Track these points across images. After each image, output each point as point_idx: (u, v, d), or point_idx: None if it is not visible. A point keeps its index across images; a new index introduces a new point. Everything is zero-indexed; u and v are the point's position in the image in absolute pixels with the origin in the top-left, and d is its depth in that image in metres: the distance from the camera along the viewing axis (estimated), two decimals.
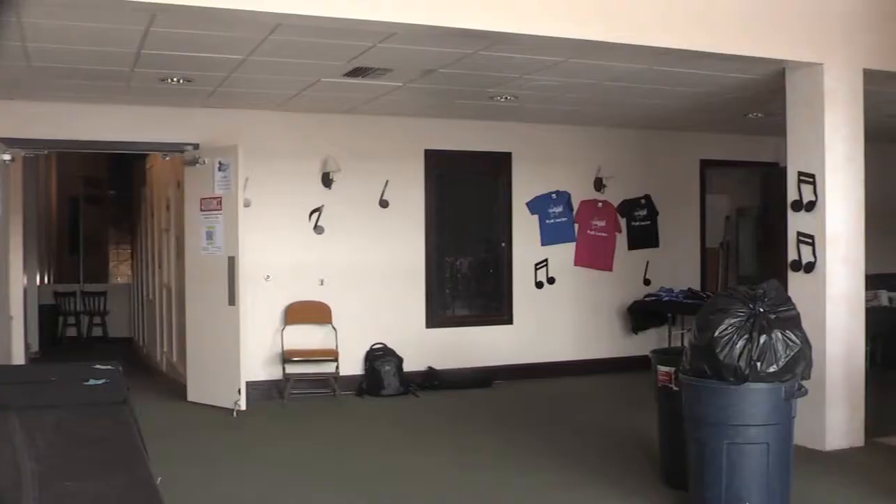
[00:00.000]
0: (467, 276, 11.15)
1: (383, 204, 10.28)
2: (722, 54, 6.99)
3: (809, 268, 7.31)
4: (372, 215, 10.25)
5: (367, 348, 10.14)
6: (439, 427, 8.44)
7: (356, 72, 7.84)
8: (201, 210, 9.28)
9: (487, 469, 6.81)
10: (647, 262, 11.71)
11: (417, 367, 10.27)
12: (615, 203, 11.55)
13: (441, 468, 6.89)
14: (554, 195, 11.19)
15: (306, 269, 9.95)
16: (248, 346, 9.18)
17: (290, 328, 9.81)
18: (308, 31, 6.38)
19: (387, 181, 10.28)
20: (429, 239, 10.58)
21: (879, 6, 7.46)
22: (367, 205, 10.23)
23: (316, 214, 9.98)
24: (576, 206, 11.31)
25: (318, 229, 9.98)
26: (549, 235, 11.15)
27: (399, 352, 10.10)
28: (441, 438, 7.92)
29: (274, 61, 7.40)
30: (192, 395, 9.42)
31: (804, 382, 5.21)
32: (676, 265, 11.90)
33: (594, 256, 11.41)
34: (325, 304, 9.96)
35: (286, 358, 9.66)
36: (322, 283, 10.00)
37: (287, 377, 9.60)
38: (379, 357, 10.00)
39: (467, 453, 7.32)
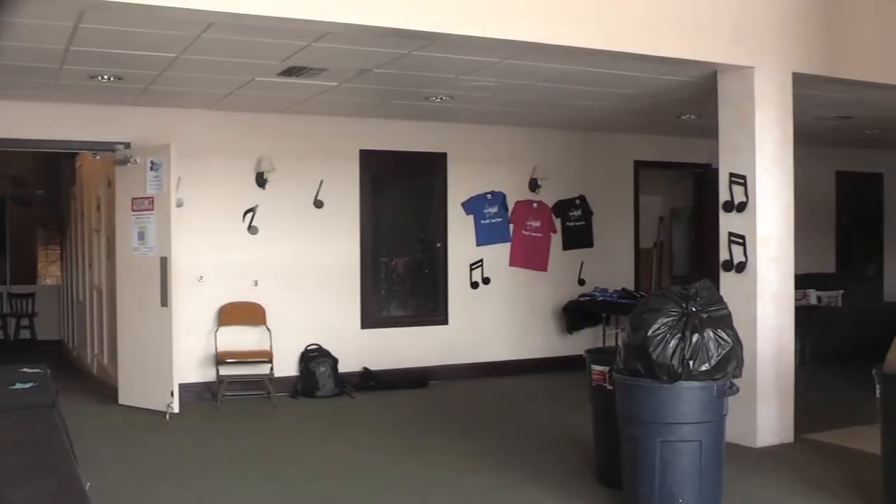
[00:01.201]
0: (403, 276, 11.13)
1: (318, 204, 10.22)
2: (655, 57, 7.06)
3: (741, 268, 7.41)
4: (307, 216, 10.19)
5: (302, 349, 10.07)
6: (375, 428, 8.41)
7: (290, 71, 7.78)
8: (133, 210, 9.14)
9: (424, 470, 6.81)
10: (582, 263, 11.79)
11: (353, 367, 10.23)
12: (550, 203, 11.61)
13: (377, 469, 6.86)
14: (489, 196, 11.22)
15: (240, 270, 9.85)
16: (181, 348, 9.04)
17: (223, 329, 9.70)
18: (241, 29, 6.32)
19: (321, 181, 10.22)
20: (364, 239, 10.54)
21: (809, 12, 7.60)
22: (301, 205, 10.16)
23: (250, 215, 9.88)
24: (511, 206, 11.35)
25: (252, 230, 9.89)
26: (485, 236, 11.18)
27: (334, 353, 10.05)
28: (377, 439, 7.89)
29: (207, 60, 7.31)
30: (124, 397, 9.26)
31: (735, 380, 5.28)
32: (611, 265, 12.01)
33: (529, 257, 11.47)
34: (260, 305, 9.87)
35: (220, 359, 9.55)
36: (256, 284, 9.91)
37: (221, 379, 9.49)
38: (314, 358, 9.94)
39: (403, 454, 7.30)
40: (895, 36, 8.03)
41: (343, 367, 10.03)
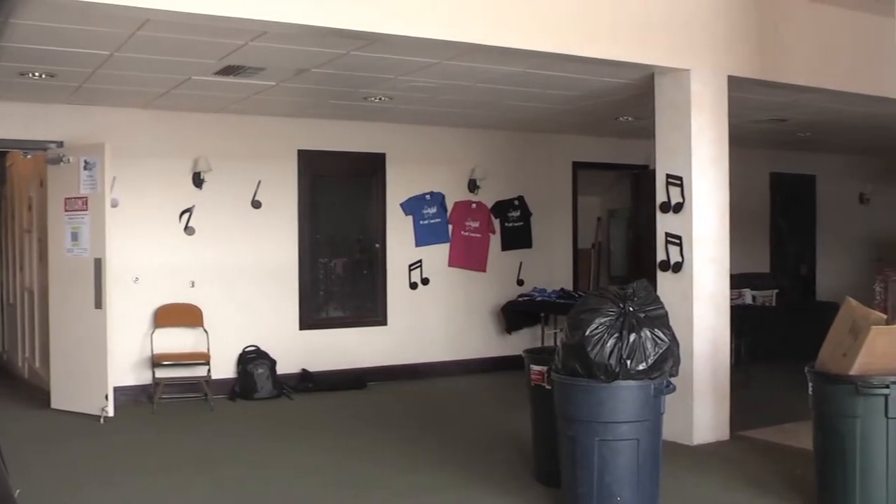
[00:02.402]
0: (341, 277, 11.08)
1: (256, 204, 10.14)
2: (594, 59, 7.11)
3: (677, 268, 7.49)
4: (244, 216, 10.09)
5: (240, 351, 9.98)
6: (314, 429, 8.35)
7: (228, 70, 7.70)
8: (66, 210, 8.98)
9: (362, 471, 6.77)
10: (521, 263, 11.83)
11: (291, 369, 10.16)
12: (489, 204, 11.64)
13: (316, 470, 6.82)
14: (428, 196, 11.21)
15: (177, 271, 9.73)
16: (116, 351, 8.89)
17: (159, 331, 9.57)
18: (177, 27, 6.24)
19: (259, 181, 10.14)
20: (302, 240, 10.48)
21: (744, 17, 7.70)
22: (239, 205, 10.07)
23: (187, 215, 9.77)
24: (450, 206, 11.36)
25: (188, 230, 9.77)
26: (424, 236, 11.17)
27: (272, 354, 9.97)
28: (315, 440, 7.84)
29: (142, 58, 7.20)
30: (57, 402, 9.09)
31: (672, 379, 5.32)
32: (549, 265, 12.07)
33: (468, 257, 11.48)
34: (197, 307, 9.76)
35: (156, 362, 9.42)
36: (193, 286, 9.80)
37: (157, 382, 9.37)
38: (252, 360, 9.85)
39: (342, 455, 7.26)
40: (827, 40, 8.18)
41: (281, 369, 9.96)
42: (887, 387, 5.06)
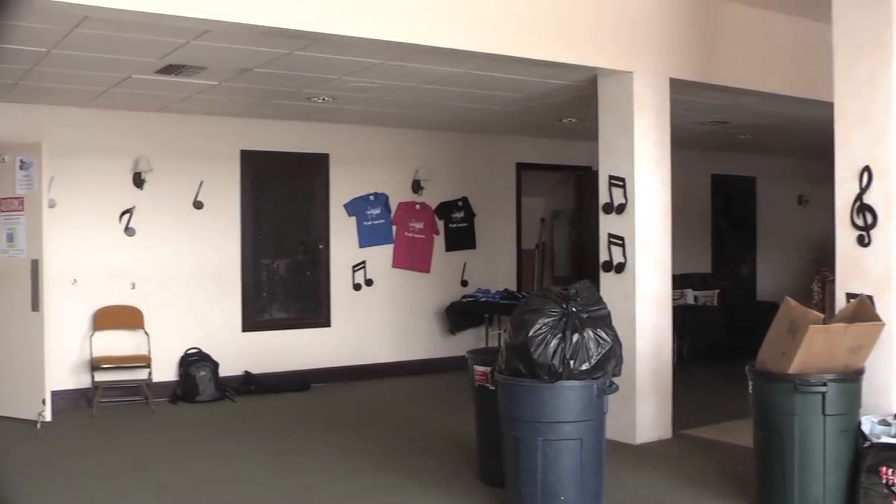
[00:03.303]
0: (285, 278, 11.00)
1: (198, 205, 10.03)
2: (538, 60, 7.13)
3: (620, 268, 7.54)
4: (186, 217, 9.98)
5: (182, 353, 9.86)
6: (257, 432, 8.28)
7: (169, 69, 7.61)
8: (1, 211, 8.80)
9: (306, 473, 6.73)
10: (465, 264, 11.85)
11: (234, 371, 10.07)
12: (433, 205, 11.63)
13: (259, 473, 6.76)
14: (372, 197, 11.18)
15: (117, 273, 9.58)
16: (54, 354, 8.74)
17: (99, 334, 9.42)
18: (117, 25, 6.14)
19: (201, 182, 10.04)
20: (245, 241, 10.39)
21: (686, 21, 7.78)
22: (180, 206, 9.96)
23: (127, 216, 9.63)
24: (394, 207, 11.34)
25: (129, 231, 9.64)
26: (367, 237, 11.13)
27: (215, 356, 9.87)
28: (259, 443, 7.77)
29: (81, 55, 7.09)
30: None
31: (615, 379, 5.35)
32: (493, 266, 12.09)
33: (412, 258, 11.47)
34: (137, 309, 9.63)
35: (95, 365, 9.28)
36: (133, 287, 9.66)
37: (96, 385, 9.22)
38: (194, 362, 9.74)
39: (286, 457, 7.21)
40: (767, 45, 8.31)
41: (224, 371, 9.87)
42: (824, 384, 5.15)
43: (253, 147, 10.41)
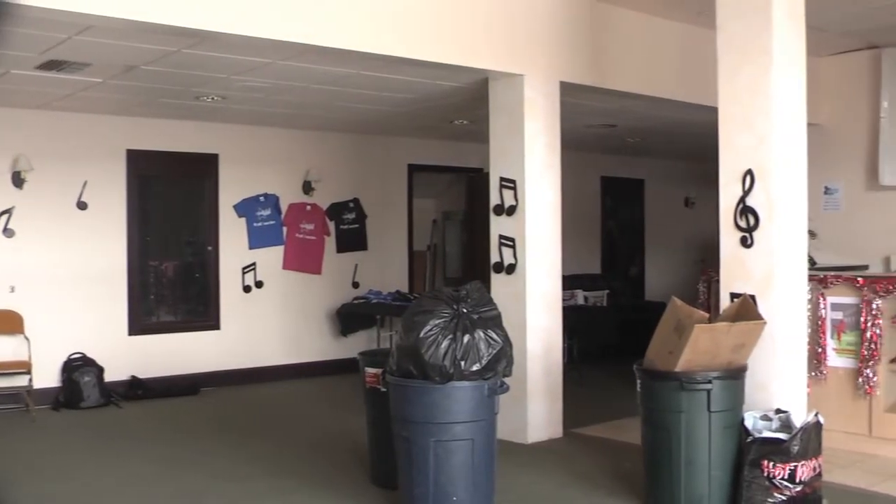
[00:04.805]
0: (172, 280, 10.79)
1: (81, 206, 9.77)
2: (429, 62, 7.13)
3: (511, 269, 7.59)
4: (69, 218, 9.71)
5: (65, 359, 9.58)
6: (143, 438, 8.09)
7: (50, 65, 7.38)
8: None
9: (195, 479, 6.60)
10: (356, 265, 11.80)
11: (120, 376, 9.83)
12: (324, 206, 11.56)
13: (145, 481, 6.60)
14: (262, 198, 11.05)
15: None
16: None
17: None
18: None
19: (85, 182, 9.77)
20: (131, 242, 10.16)
21: (576, 25, 7.88)
22: (63, 206, 9.68)
23: (5, 217, 9.32)
24: (284, 208, 11.23)
25: (7, 232, 9.33)
26: (258, 238, 11.01)
27: (100, 361, 9.62)
28: (145, 449, 7.59)
29: None
30: None
31: (506, 379, 5.38)
32: (385, 268, 12.08)
33: (303, 259, 11.38)
34: (17, 313, 9.32)
35: None
36: (13, 291, 9.35)
37: None
38: (77, 367, 9.48)
39: (173, 463, 7.06)
40: (654, 50, 8.46)
41: (110, 376, 9.62)
42: (710, 382, 5.26)
43: (140, 146, 10.18)
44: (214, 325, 10.74)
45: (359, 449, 6.90)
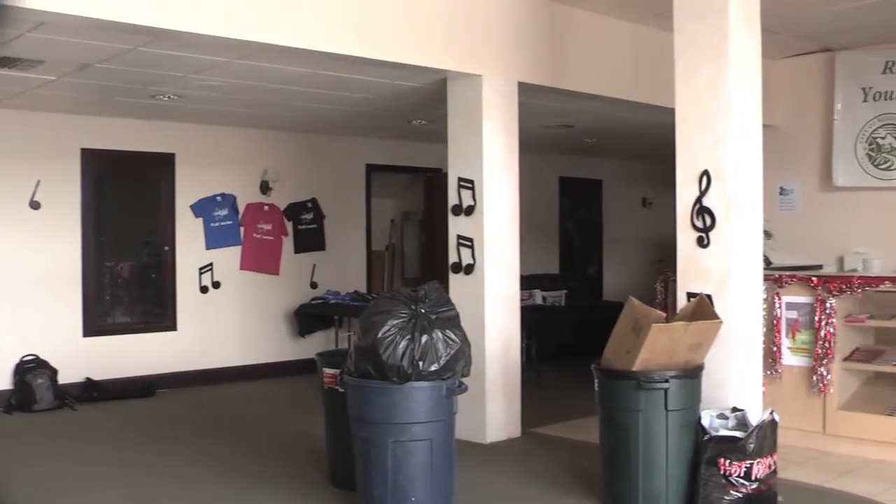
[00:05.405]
0: (128, 281, 10.67)
1: (34, 205, 9.64)
2: (386, 62, 7.10)
3: (469, 269, 7.59)
4: (22, 218, 9.57)
5: (17, 361, 9.44)
6: (98, 440, 8.00)
7: (2, 62, 7.27)
8: None
9: (150, 481, 6.53)
10: (314, 266, 11.75)
11: (75, 378, 9.71)
12: (281, 206, 11.51)
13: (100, 483, 6.52)
14: (219, 198, 10.97)
15: None
16: None
17: None
18: None
19: (38, 181, 9.64)
20: (86, 242, 10.04)
21: (534, 26, 7.89)
22: (15, 206, 9.54)
23: None
24: (241, 209, 11.16)
25: None
26: (214, 239, 10.92)
27: (53, 363, 9.49)
28: (100, 452, 7.51)
29: None
30: None
31: (465, 379, 5.37)
32: (343, 268, 12.04)
33: (260, 260, 11.31)
34: None
35: None
36: None
37: None
38: (30, 369, 9.34)
39: (129, 466, 6.98)
40: (612, 51, 8.50)
41: (64, 378, 9.49)
42: (667, 381, 5.29)
43: (94, 145, 10.06)
44: (171, 326, 10.65)
45: (317, 450, 6.87)
